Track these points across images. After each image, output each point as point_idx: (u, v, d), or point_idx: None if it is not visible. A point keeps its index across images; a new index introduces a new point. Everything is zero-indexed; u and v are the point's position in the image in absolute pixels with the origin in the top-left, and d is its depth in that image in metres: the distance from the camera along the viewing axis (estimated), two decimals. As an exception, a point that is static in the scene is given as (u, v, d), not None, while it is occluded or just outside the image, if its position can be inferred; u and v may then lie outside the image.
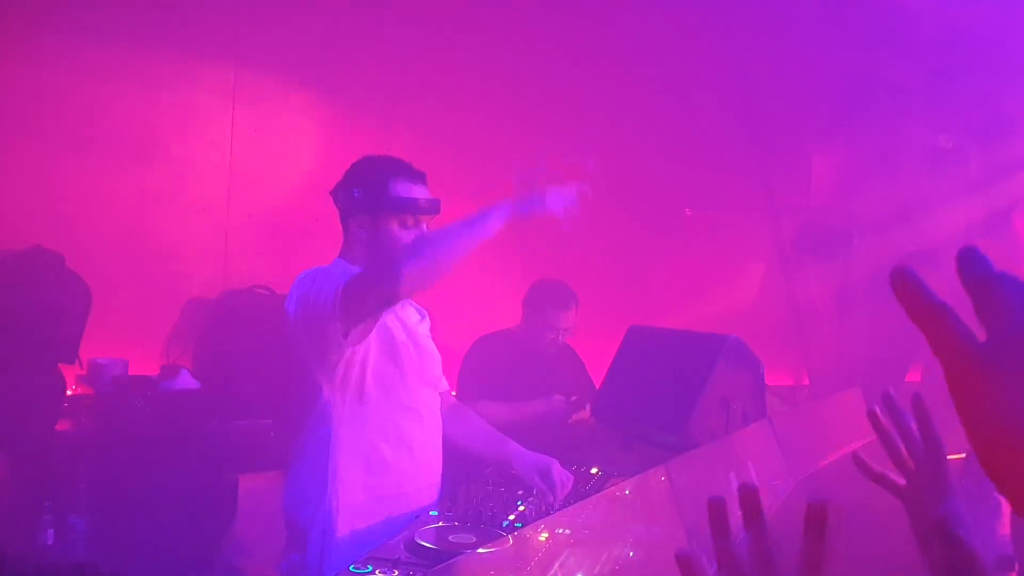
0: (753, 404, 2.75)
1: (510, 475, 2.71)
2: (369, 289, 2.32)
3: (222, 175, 4.46)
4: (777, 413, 3.38)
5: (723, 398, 2.60)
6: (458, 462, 2.70)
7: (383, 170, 2.52)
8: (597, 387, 4.07)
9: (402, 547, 2.13)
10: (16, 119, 3.89)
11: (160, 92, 4.26)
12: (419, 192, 2.50)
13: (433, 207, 2.51)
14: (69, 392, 3.69)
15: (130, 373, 3.90)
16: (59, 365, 3.61)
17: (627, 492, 2.61)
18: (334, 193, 2.55)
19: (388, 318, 2.49)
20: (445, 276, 2.31)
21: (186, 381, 3.85)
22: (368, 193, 2.48)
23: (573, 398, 3.78)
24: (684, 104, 5.41)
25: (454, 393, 3.73)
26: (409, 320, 2.60)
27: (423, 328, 2.65)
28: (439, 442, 2.63)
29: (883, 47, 5.22)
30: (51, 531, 3.35)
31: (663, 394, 2.71)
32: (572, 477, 2.62)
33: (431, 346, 2.65)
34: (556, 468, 2.59)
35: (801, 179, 5.62)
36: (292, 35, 4.54)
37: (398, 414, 2.50)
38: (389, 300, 2.33)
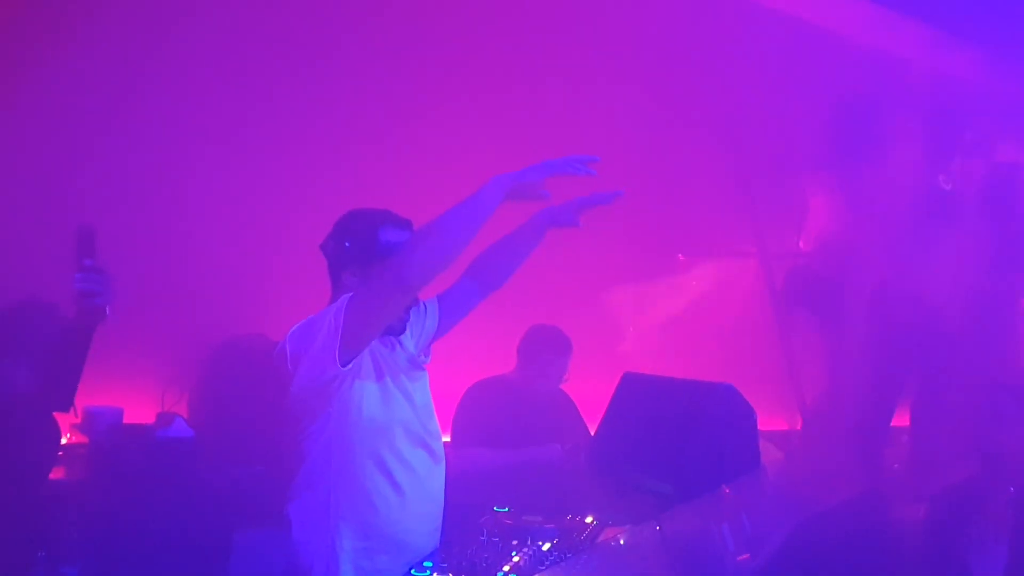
0: (746, 453, 2.76)
1: (504, 525, 2.72)
2: (381, 289, 2.34)
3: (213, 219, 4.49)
4: (771, 460, 3.40)
5: (716, 447, 2.62)
6: (452, 510, 2.70)
7: (371, 220, 2.57)
8: (590, 433, 4.08)
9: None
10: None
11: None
12: (407, 239, 2.54)
13: None
14: (64, 440, 3.68)
15: (125, 421, 3.90)
16: (54, 413, 3.61)
17: (621, 542, 2.62)
18: (324, 246, 2.59)
19: (386, 367, 2.51)
20: (453, 260, 2.31)
21: (181, 429, 3.85)
22: (358, 244, 2.52)
23: (568, 445, 3.80)
24: (675, 148, 5.46)
25: (447, 439, 3.74)
26: (409, 373, 2.62)
27: (422, 382, 2.66)
28: (439, 492, 2.63)
29: (878, 88, 5.28)
30: (44, 580, 3.33)
31: (657, 443, 2.72)
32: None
33: (428, 398, 2.66)
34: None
35: (793, 223, 5.66)
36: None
37: (405, 451, 2.51)
38: (402, 292, 2.34)
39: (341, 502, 2.43)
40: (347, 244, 2.54)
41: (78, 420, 3.79)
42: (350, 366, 2.37)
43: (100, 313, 2.77)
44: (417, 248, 2.29)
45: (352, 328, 2.32)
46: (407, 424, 2.53)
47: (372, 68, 4.85)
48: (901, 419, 5.18)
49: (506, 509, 2.87)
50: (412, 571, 2.45)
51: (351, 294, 2.38)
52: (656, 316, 5.44)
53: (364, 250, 2.51)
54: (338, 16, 4.74)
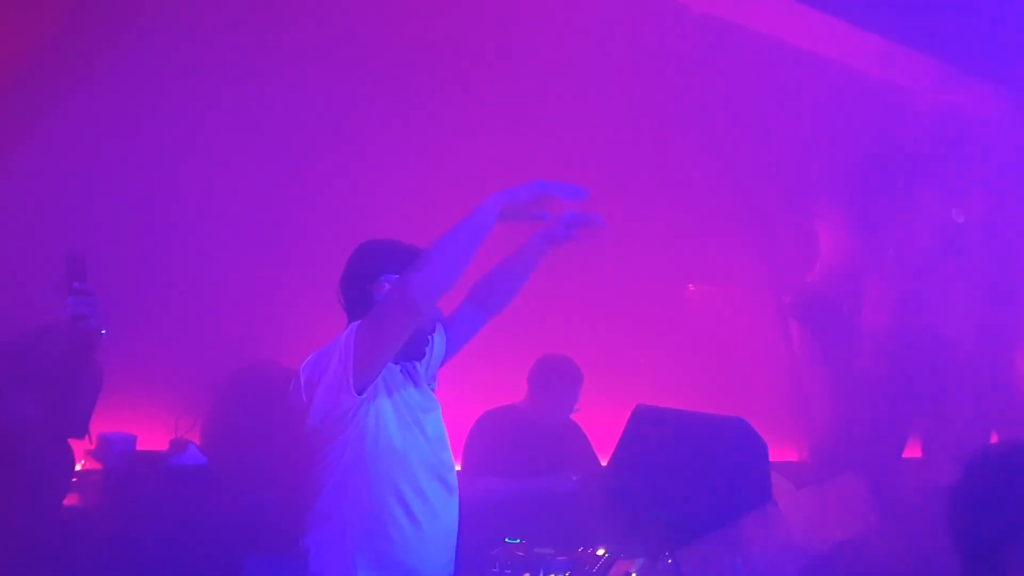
0: (758, 486, 2.76)
1: (516, 556, 2.73)
2: (388, 314, 2.36)
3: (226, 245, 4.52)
4: (782, 493, 3.39)
5: (729, 481, 2.62)
6: (465, 541, 2.71)
7: (396, 254, 2.58)
8: (601, 464, 4.08)
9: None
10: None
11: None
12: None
13: None
14: (78, 467, 3.71)
15: (139, 448, 3.93)
16: (68, 440, 3.63)
17: (633, 574, 2.63)
18: (343, 283, 2.60)
19: (400, 398, 2.52)
20: (455, 280, 2.34)
21: (194, 456, 3.88)
22: (363, 291, 2.55)
23: (581, 476, 3.79)
24: (687, 178, 5.48)
25: (458, 468, 3.74)
26: (422, 404, 2.63)
27: (435, 412, 2.68)
28: (454, 523, 2.64)
29: (891, 122, 5.30)
30: (58, 607, 3.34)
31: (669, 476, 2.72)
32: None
33: (442, 428, 2.68)
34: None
35: (805, 255, 5.67)
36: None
37: (421, 481, 2.52)
38: (409, 315, 2.35)
39: (357, 532, 2.44)
40: (353, 293, 2.57)
41: (92, 447, 3.82)
42: (365, 394, 2.39)
43: (95, 336, 2.81)
44: (419, 271, 2.31)
45: (363, 355, 2.34)
46: (422, 455, 2.54)
47: (390, 96, 4.88)
48: (912, 451, 5.18)
49: (518, 540, 2.87)
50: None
51: (360, 321, 2.40)
52: (666, 347, 5.45)
53: (367, 298, 2.54)
54: (346, 41, 4.78)
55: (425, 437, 2.57)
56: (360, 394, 2.37)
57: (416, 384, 2.63)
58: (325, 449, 2.46)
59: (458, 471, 3.79)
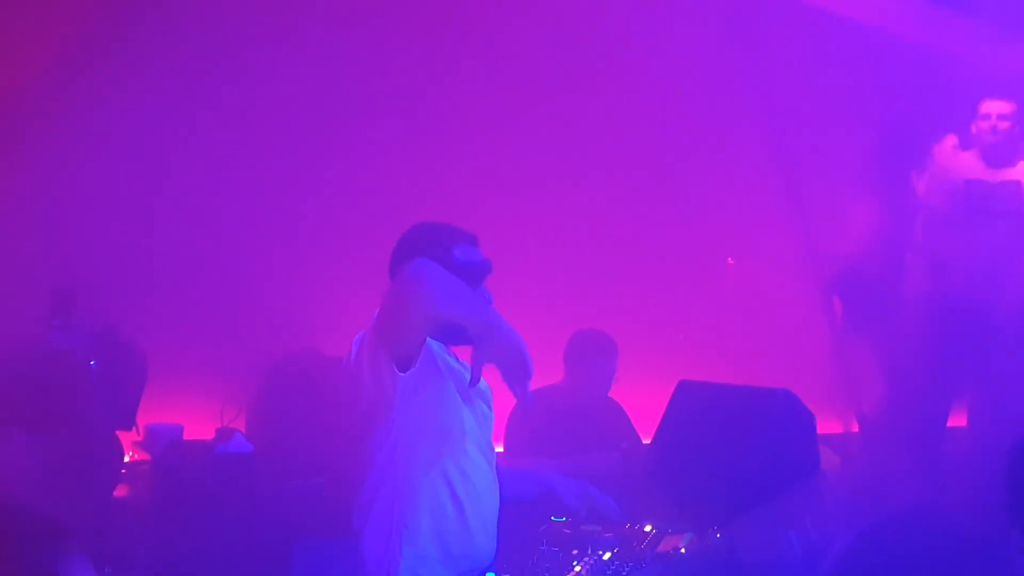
0: (807, 457, 2.74)
1: (563, 534, 2.72)
2: (395, 299, 2.32)
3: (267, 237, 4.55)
4: (829, 465, 3.36)
5: (777, 453, 2.60)
6: (511, 521, 2.71)
7: (445, 237, 2.57)
8: (643, 442, 4.06)
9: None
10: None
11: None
12: (479, 255, 2.56)
13: (490, 269, 2.56)
14: (126, 458, 3.75)
15: (185, 438, 3.96)
16: (116, 432, 3.68)
17: (682, 550, 2.61)
18: (395, 264, 2.57)
19: (450, 376, 2.51)
20: (427, 322, 2.28)
21: (240, 444, 3.90)
22: (436, 263, 2.52)
23: (626, 451, 3.77)
24: (723, 151, 5.43)
25: (500, 450, 3.73)
26: (482, 384, 2.62)
27: (484, 393, 2.67)
28: (496, 501, 2.64)
29: (925, 86, 5.21)
30: (110, 598, 3.39)
31: (715, 450, 2.70)
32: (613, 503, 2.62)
33: (489, 409, 2.68)
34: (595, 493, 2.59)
35: (843, 227, 5.60)
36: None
37: (468, 464, 2.52)
38: (408, 314, 2.29)
39: (405, 512, 2.43)
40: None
41: (140, 438, 3.87)
42: (410, 372, 2.37)
43: (81, 368, 2.82)
44: (429, 282, 2.27)
45: (386, 336, 2.32)
46: (469, 433, 2.54)
47: (413, 83, 4.89)
48: (957, 419, 5.11)
49: (564, 519, 2.86)
50: (476, 582, 2.46)
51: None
52: (705, 323, 5.41)
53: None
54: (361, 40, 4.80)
55: (474, 415, 2.57)
56: (403, 371, 2.35)
57: (466, 366, 2.62)
58: (373, 428, 2.45)
59: (500, 453, 3.81)
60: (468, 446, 2.53)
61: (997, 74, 5.18)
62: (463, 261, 2.52)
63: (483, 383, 2.66)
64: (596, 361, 4.07)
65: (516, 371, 2.38)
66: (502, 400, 3.86)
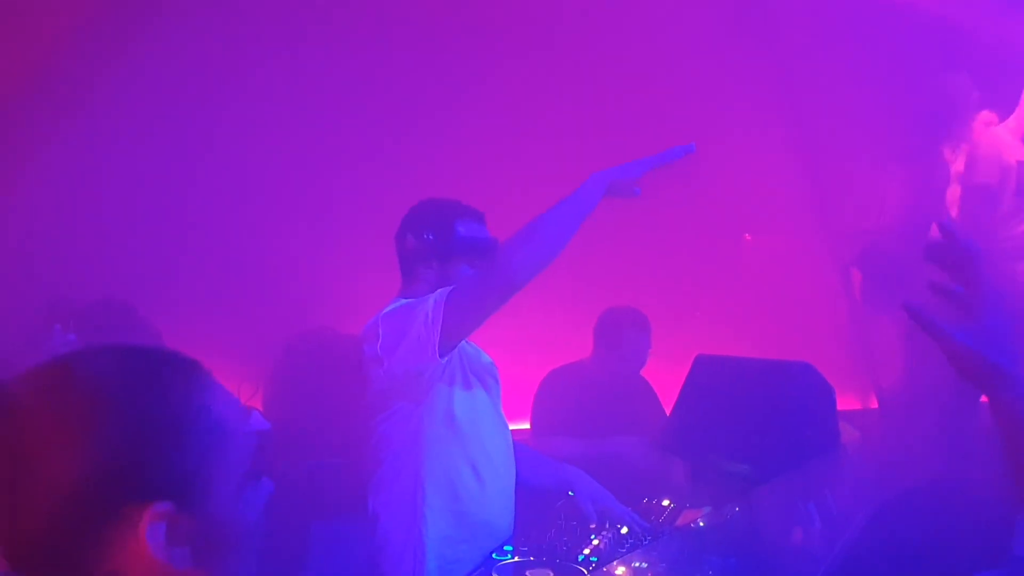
0: (827, 429, 2.72)
1: (580, 509, 2.71)
2: (485, 286, 2.33)
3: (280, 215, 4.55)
4: (848, 440, 3.34)
5: (797, 426, 2.58)
6: (524, 496, 2.70)
7: (447, 212, 2.56)
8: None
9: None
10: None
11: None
12: (484, 232, 2.55)
13: (496, 246, 2.55)
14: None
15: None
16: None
17: (701, 524, 2.60)
18: (400, 237, 2.58)
19: (467, 360, 2.52)
20: (555, 258, 2.30)
21: (257, 422, 3.90)
22: (438, 237, 2.52)
23: (651, 436, 3.73)
24: (739, 126, 5.39)
25: (527, 427, 3.73)
26: (490, 368, 2.64)
27: (495, 373, 2.68)
28: (513, 477, 2.64)
29: (949, 59, 5.13)
30: None
31: (734, 424, 2.69)
32: (631, 513, 2.62)
33: (499, 387, 2.68)
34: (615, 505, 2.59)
35: (863, 204, 5.55)
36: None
37: (486, 440, 2.53)
38: (507, 291, 2.31)
39: (428, 492, 2.44)
40: (427, 236, 2.54)
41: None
42: (447, 359, 2.37)
43: None
44: (522, 247, 2.29)
45: (452, 322, 2.31)
46: (488, 413, 2.55)
47: (442, 65, 4.88)
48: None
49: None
50: (493, 555, 2.46)
51: (451, 287, 2.36)
52: (722, 298, 5.38)
53: (443, 243, 2.51)
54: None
55: (490, 395, 2.58)
56: (443, 358, 2.35)
57: (475, 346, 2.64)
58: (393, 407, 2.45)
59: (526, 429, 3.79)
60: (483, 424, 2.53)
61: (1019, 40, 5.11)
62: (465, 236, 2.52)
63: (486, 357, 2.67)
64: (630, 334, 4.03)
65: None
66: (527, 377, 3.87)
